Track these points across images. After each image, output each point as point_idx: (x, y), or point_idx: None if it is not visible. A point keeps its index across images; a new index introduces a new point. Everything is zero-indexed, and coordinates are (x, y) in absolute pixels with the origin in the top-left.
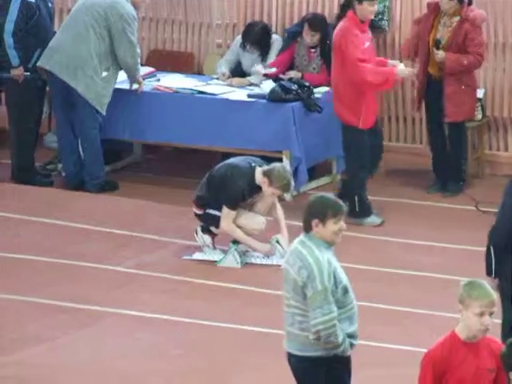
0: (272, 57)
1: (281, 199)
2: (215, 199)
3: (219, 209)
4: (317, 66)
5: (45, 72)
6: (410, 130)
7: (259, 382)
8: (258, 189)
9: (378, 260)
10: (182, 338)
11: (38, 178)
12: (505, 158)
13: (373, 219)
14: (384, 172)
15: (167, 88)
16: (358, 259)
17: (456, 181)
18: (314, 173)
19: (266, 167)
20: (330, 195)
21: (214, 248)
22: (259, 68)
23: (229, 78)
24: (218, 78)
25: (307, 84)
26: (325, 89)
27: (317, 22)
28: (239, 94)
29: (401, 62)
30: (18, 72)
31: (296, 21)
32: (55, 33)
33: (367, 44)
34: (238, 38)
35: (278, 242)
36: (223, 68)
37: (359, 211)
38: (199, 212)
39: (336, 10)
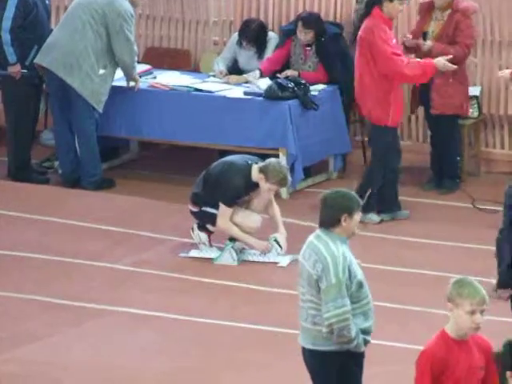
0: (268, 54)
1: (277, 196)
2: (211, 197)
3: (215, 207)
4: (312, 63)
5: (42, 69)
6: (406, 128)
7: (256, 379)
8: (255, 186)
9: (375, 257)
10: (178, 335)
11: (34, 176)
12: (501, 155)
13: (372, 216)
14: None
15: (164, 85)
16: (354, 256)
17: (451, 178)
18: (310, 170)
19: (261, 164)
20: (344, 189)
21: (211, 245)
22: (255, 76)
23: (226, 75)
24: (214, 76)
25: (303, 82)
26: (321, 86)
27: (310, 20)
28: (236, 92)
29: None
30: (14, 69)
31: (292, 19)
32: (52, 30)
33: (394, 41)
34: (235, 36)
35: (275, 240)
36: (220, 65)
37: (363, 205)
38: (195, 210)
39: (332, 8)
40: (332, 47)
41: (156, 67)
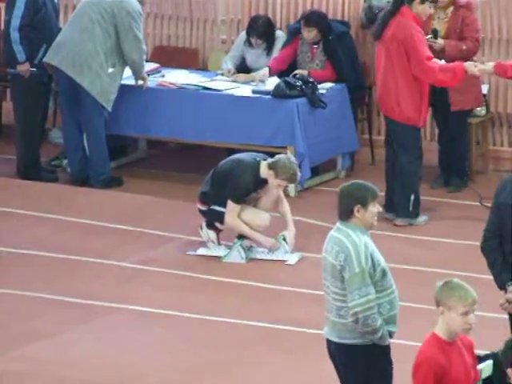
0: (276, 52)
1: (285, 195)
2: (220, 195)
3: (224, 205)
4: (320, 62)
5: (51, 68)
6: None
7: (264, 376)
8: (263, 183)
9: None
10: (186, 333)
11: (43, 174)
12: (509, 153)
13: (423, 218)
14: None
15: (172, 84)
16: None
17: (460, 176)
18: (318, 169)
19: (270, 160)
20: (362, 181)
21: (219, 243)
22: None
23: (234, 74)
24: (222, 74)
25: (311, 80)
26: (329, 85)
27: (311, 18)
28: (244, 90)
29: None
30: (24, 68)
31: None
32: (61, 29)
33: None
34: (243, 34)
35: (284, 239)
36: (228, 64)
37: (413, 210)
38: (203, 208)
39: (340, 7)
40: (339, 45)
41: (164, 66)
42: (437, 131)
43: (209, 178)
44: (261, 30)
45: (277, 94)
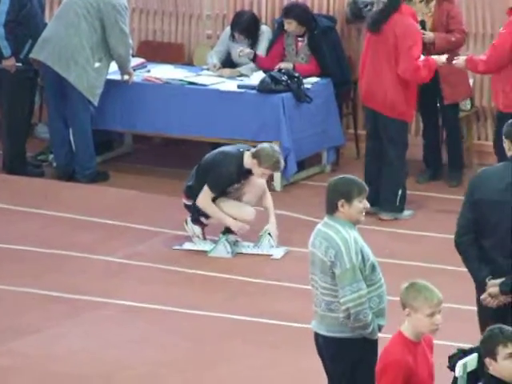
0: (262, 47)
1: (270, 189)
2: (203, 187)
3: None
4: (305, 56)
5: (37, 63)
6: None
7: (250, 371)
8: (247, 173)
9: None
10: (172, 327)
11: (29, 169)
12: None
13: (408, 212)
14: None
15: (157, 79)
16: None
17: (457, 169)
18: (303, 163)
19: (254, 149)
20: (351, 176)
21: (205, 238)
22: (245, 50)
23: (219, 68)
24: (208, 69)
25: (297, 75)
26: (314, 79)
27: (289, 10)
28: (229, 85)
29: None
30: (9, 63)
31: None
32: (46, 24)
33: None
34: (228, 29)
35: (269, 233)
36: (214, 59)
37: (399, 205)
38: (189, 203)
39: (325, 1)
40: (324, 40)
41: (150, 61)
42: (421, 126)
43: (193, 172)
44: (244, 25)
45: (262, 88)
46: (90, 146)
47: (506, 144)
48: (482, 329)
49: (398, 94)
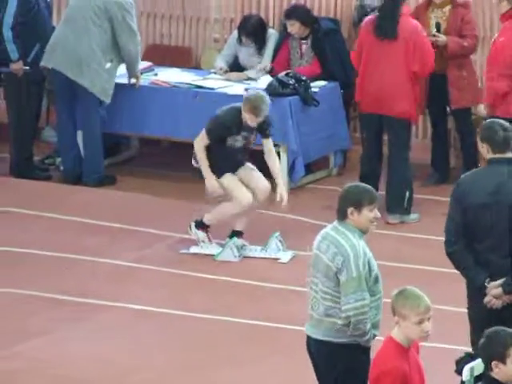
0: (269, 51)
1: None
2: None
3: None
4: (309, 58)
5: (47, 70)
6: None
7: (257, 375)
8: (246, 127)
9: (375, 253)
10: (179, 331)
11: (36, 172)
12: None
13: (415, 216)
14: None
15: (165, 82)
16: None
17: None
18: (310, 167)
19: None
20: (364, 184)
21: (211, 242)
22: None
23: (226, 72)
24: (215, 73)
25: (304, 78)
26: (322, 83)
27: (290, 11)
28: (237, 89)
29: None
30: (17, 66)
31: None
32: (54, 27)
33: None
34: (235, 33)
35: (277, 237)
36: (221, 62)
37: (407, 207)
38: (198, 165)
39: (332, 5)
40: (327, 42)
41: (157, 64)
42: (430, 129)
43: None
44: (251, 29)
45: (270, 92)
46: (99, 149)
47: (483, 148)
48: (476, 333)
49: (408, 96)
